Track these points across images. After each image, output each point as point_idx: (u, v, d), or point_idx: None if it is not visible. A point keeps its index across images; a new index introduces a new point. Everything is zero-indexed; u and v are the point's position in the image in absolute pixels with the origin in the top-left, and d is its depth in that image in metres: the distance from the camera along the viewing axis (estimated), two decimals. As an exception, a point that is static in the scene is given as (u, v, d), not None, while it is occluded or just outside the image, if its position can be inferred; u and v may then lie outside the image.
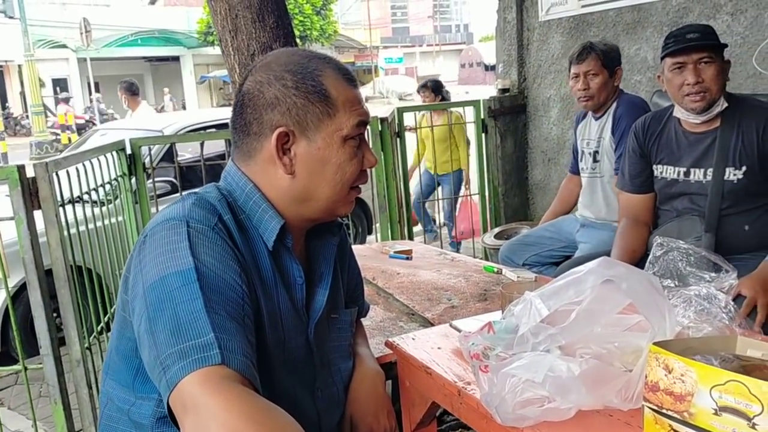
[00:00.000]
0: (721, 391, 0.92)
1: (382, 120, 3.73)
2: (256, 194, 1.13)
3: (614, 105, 2.77)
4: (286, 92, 1.10)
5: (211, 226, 1.04)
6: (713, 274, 1.32)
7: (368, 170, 1.20)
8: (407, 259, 2.51)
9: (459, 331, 1.47)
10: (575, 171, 3.08)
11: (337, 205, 1.17)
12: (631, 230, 2.28)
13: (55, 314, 2.38)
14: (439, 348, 1.44)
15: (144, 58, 29.73)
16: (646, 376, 1.01)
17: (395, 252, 2.56)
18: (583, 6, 4.05)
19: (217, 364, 0.87)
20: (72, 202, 2.54)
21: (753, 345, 1.13)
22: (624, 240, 2.27)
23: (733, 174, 2.04)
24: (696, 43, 2.02)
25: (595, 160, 2.86)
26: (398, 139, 4.11)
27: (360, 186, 1.19)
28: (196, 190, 1.16)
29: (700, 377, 0.94)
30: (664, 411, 0.98)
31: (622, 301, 1.11)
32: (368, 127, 1.23)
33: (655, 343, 1.01)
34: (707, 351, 1.10)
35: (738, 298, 1.81)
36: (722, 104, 2.05)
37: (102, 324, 2.74)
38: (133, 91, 6.62)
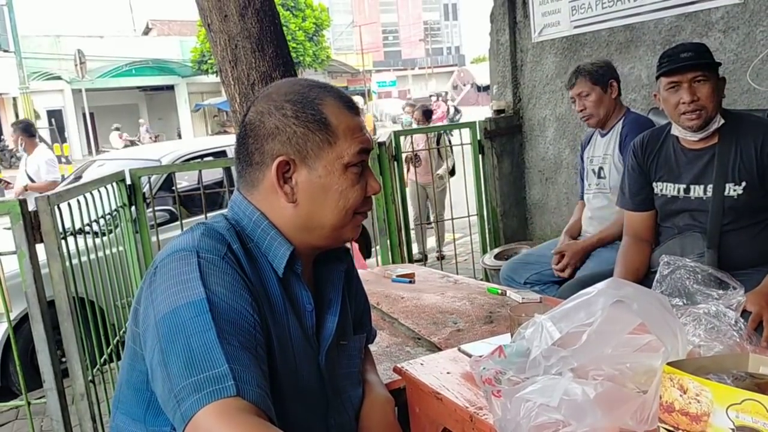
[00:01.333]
0: (738, 410, 0.92)
1: (380, 144, 3.75)
2: (264, 222, 1.13)
3: (620, 123, 2.80)
4: (286, 122, 1.11)
5: (221, 256, 1.04)
6: (721, 292, 1.32)
7: (372, 197, 1.20)
8: (410, 282, 2.50)
9: (468, 355, 1.46)
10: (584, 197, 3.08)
11: (343, 231, 1.17)
12: (633, 248, 2.29)
13: (56, 347, 2.36)
14: (448, 373, 1.43)
15: (138, 87, 29.89)
16: (660, 397, 1.01)
17: (398, 276, 2.56)
18: (575, 27, 4.09)
19: (232, 396, 0.87)
20: (74, 234, 2.53)
21: (765, 362, 1.13)
22: (627, 258, 2.27)
23: (733, 190, 2.05)
24: (690, 62, 2.04)
25: (599, 177, 2.88)
26: (396, 163, 4.13)
27: (363, 214, 1.19)
28: (204, 220, 1.16)
29: (716, 397, 0.94)
30: (680, 432, 0.98)
31: (632, 321, 1.11)
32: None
33: (668, 364, 1.01)
34: (719, 369, 1.09)
35: (743, 314, 1.81)
36: (719, 121, 2.07)
37: (105, 356, 2.72)
38: (30, 132, 6.10)
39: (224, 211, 1.20)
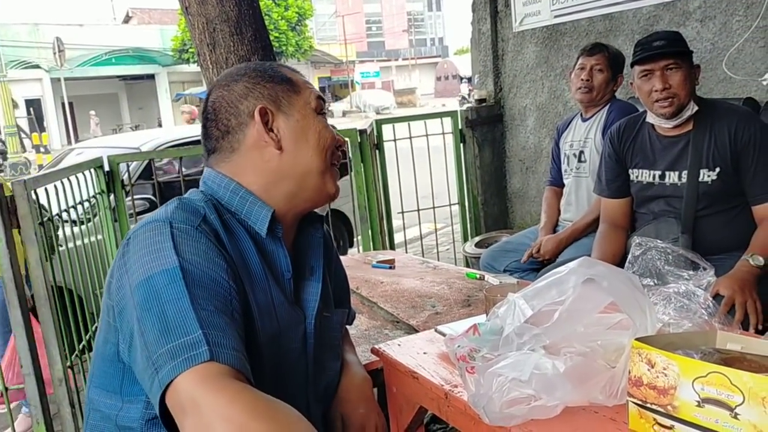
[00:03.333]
0: (704, 383, 0.94)
1: (361, 132, 3.75)
2: (241, 189, 1.17)
3: (606, 108, 2.82)
4: (253, 81, 1.19)
5: (195, 226, 1.06)
6: (691, 272, 1.34)
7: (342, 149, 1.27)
8: (390, 268, 2.52)
9: (444, 335, 1.48)
10: (556, 183, 3.10)
11: (326, 180, 1.21)
12: (609, 235, 2.32)
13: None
14: (425, 353, 1.45)
15: (118, 76, 29.59)
16: (629, 372, 1.03)
17: (378, 262, 2.57)
18: (555, 16, 4.11)
19: (206, 361, 0.88)
20: (51, 220, 2.52)
21: (732, 338, 1.16)
22: (603, 245, 2.30)
23: (707, 175, 2.09)
24: (661, 50, 2.07)
25: (580, 160, 2.89)
26: (377, 151, 4.14)
27: (336, 164, 1.24)
28: (180, 196, 1.18)
29: (683, 370, 0.96)
30: (648, 405, 1.00)
31: (603, 299, 1.13)
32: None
33: (637, 339, 1.03)
34: (688, 346, 1.12)
35: (716, 298, 1.84)
36: (692, 108, 2.10)
37: (83, 343, 2.71)
38: None
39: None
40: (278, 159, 1.17)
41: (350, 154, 3.77)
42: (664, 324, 1.23)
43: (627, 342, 1.06)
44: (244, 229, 1.15)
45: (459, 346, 1.19)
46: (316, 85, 1.30)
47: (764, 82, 2.97)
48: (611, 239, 2.30)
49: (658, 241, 1.37)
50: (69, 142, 23.95)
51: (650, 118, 2.19)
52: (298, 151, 1.18)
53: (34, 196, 2.29)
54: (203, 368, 0.88)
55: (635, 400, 1.02)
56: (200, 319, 0.92)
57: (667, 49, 2.07)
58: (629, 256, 1.42)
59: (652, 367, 0.99)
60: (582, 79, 2.81)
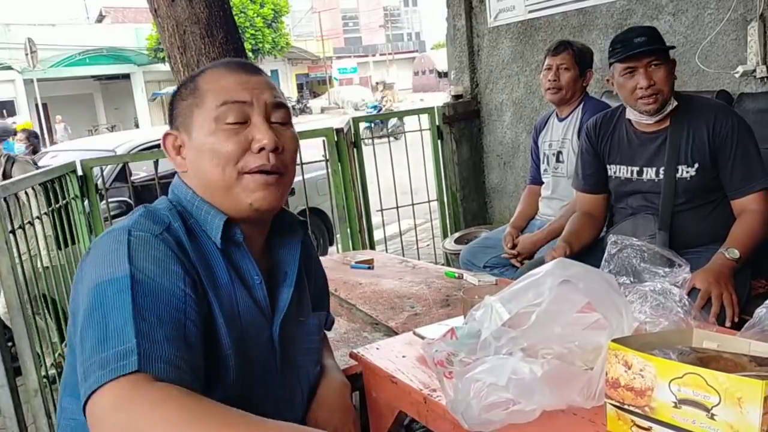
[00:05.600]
0: (680, 384, 0.94)
1: (338, 131, 3.72)
2: (197, 199, 1.16)
3: (580, 107, 2.82)
4: (178, 97, 1.20)
5: (155, 234, 1.06)
6: (667, 269, 1.35)
7: (267, 153, 1.12)
8: (369, 268, 2.50)
9: (422, 338, 1.47)
10: (536, 181, 3.10)
11: (235, 192, 1.13)
12: (581, 219, 2.35)
13: (10, 343, 2.31)
14: (403, 356, 1.44)
15: (93, 77, 29.19)
16: (606, 374, 1.03)
17: (357, 262, 2.56)
18: (530, 11, 4.12)
19: (131, 372, 0.86)
20: (22, 227, 2.47)
21: (708, 337, 1.16)
22: (572, 225, 2.34)
23: (685, 171, 2.09)
24: (645, 48, 2.07)
25: (558, 161, 2.90)
26: (355, 149, 4.12)
27: (264, 171, 1.13)
28: (147, 204, 1.18)
29: (659, 371, 0.96)
30: (626, 407, 1.00)
31: (580, 300, 1.13)
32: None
33: (613, 340, 1.03)
34: (665, 345, 1.12)
35: (692, 291, 1.85)
36: (673, 103, 2.10)
37: (59, 351, 2.67)
38: None
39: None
40: (188, 179, 1.18)
41: (327, 153, 3.75)
42: (641, 323, 1.24)
43: (603, 343, 1.06)
44: (207, 235, 1.15)
45: (436, 351, 1.19)
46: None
47: (736, 75, 2.99)
48: (582, 222, 2.34)
49: (634, 239, 1.38)
50: (43, 144, 23.58)
51: (630, 114, 2.19)
52: (198, 170, 1.15)
53: (4, 205, 2.25)
54: (126, 380, 0.86)
55: (613, 402, 1.02)
56: (137, 330, 0.91)
57: (649, 46, 2.06)
58: (605, 254, 1.42)
59: (629, 368, 0.99)
60: (549, 80, 2.81)
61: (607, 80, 2.23)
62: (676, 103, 2.11)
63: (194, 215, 1.16)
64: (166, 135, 1.19)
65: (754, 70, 2.93)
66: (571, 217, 2.39)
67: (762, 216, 2.03)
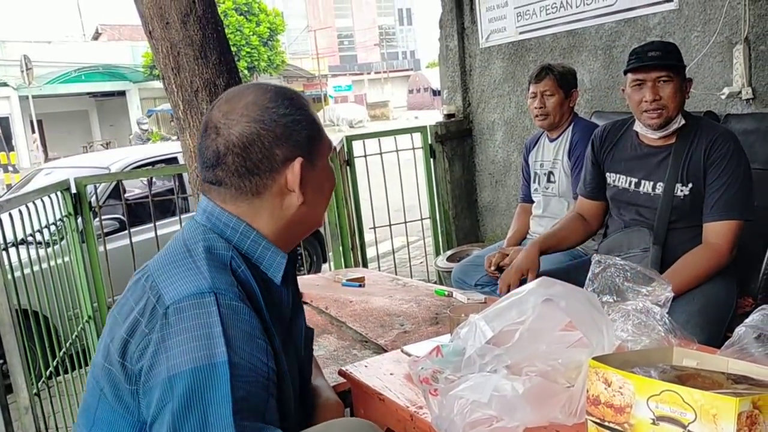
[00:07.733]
0: (657, 401, 0.97)
1: (331, 149, 3.75)
2: (252, 232, 1.11)
3: (570, 129, 2.86)
4: (292, 123, 1.10)
5: (238, 296, 1.01)
6: (649, 288, 1.37)
7: None
8: (360, 286, 2.52)
9: (410, 355, 1.49)
10: (527, 199, 3.13)
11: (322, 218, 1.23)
12: (572, 220, 2.42)
13: (1, 360, 2.31)
14: (391, 374, 1.46)
15: (89, 93, 29.23)
16: (587, 391, 1.05)
17: (348, 280, 2.58)
18: (521, 33, 4.17)
19: None
20: (15, 244, 2.48)
21: (688, 355, 1.19)
22: (561, 222, 2.43)
23: (680, 190, 2.11)
24: (655, 62, 2.09)
25: (549, 180, 2.93)
26: (348, 167, 4.15)
27: None
28: (201, 244, 1.08)
29: (638, 389, 0.99)
30: (606, 424, 1.02)
31: (562, 319, 1.15)
32: None
33: (594, 358, 1.06)
34: (645, 363, 1.14)
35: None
36: (679, 122, 2.12)
37: (51, 369, 2.67)
38: None
39: (188, 217, 1.22)
40: (296, 209, 1.12)
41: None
42: (623, 341, 1.26)
43: (584, 361, 1.08)
44: (265, 274, 1.12)
45: (422, 368, 1.21)
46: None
47: (723, 96, 3.04)
48: (575, 220, 2.41)
49: (617, 258, 1.40)
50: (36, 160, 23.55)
51: (637, 126, 2.22)
52: (316, 203, 1.16)
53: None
54: None
55: (594, 419, 1.04)
56: (236, 426, 0.92)
57: (661, 60, 2.08)
58: (589, 273, 1.44)
59: (609, 385, 1.02)
60: (536, 107, 2.85)
61: (622, 90, 2.25)
62: (683, 122, 2.12)
63: (244, 249, 1.11)
64: (302, 162, 1.10)
65: (740, 92, 2.97)
66: (563, 217, 2.46)
67: (715, 253, 2.04)
